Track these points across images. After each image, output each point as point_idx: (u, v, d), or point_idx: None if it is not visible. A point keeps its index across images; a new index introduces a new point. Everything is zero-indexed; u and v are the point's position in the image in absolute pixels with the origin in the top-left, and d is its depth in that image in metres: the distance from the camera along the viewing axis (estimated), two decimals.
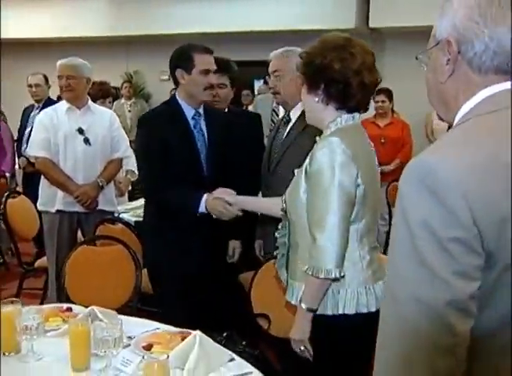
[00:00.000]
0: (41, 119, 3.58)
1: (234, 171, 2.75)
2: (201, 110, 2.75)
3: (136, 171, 4.68)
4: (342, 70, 1.83)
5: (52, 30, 8.90)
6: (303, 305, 1.83)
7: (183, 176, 2.61)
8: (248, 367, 1.82)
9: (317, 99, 1.90)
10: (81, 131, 3.51)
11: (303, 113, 2.71)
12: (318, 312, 1.83)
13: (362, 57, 1.85)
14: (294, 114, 2.78)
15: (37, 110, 5.27)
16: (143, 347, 1.87)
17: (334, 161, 1.76)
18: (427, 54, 1.15)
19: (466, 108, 1.04)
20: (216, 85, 2.97)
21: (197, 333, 1.80)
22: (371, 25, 7.17)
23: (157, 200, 2.70)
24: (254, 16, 7.61)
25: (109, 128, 3.60)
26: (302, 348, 1.89)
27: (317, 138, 1.94)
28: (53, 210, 3.54)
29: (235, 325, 2.20)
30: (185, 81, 2.64)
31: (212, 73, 2.68)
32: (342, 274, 1.78)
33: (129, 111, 7.97)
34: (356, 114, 1.93)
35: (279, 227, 2.01)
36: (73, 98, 3.54)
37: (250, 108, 6.96)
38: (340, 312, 1.82)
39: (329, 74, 1.84)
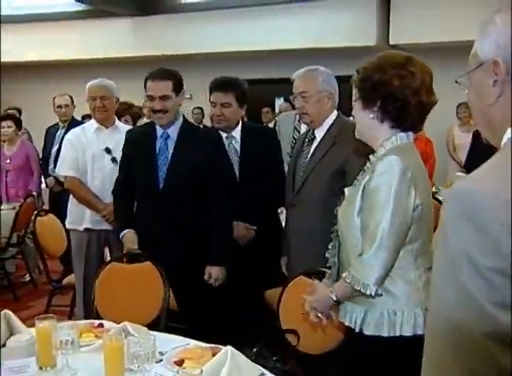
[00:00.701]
0: (70, 139, 3.64)
1: (192, 189, 2.95)
2: (171, 132, 2.99)
3: None
4: (401, 88, 1.81)
5: (75, 52, 9.09)
6: (333, 296, 1.89)
7: (142, 189, 3.03)
8: None
9: (372, 116, 1.88)
10: (108, 150, 3.57)
11: (328, 132, 2.75)
12: (373, 333, 1.82)
13: (421, 76, 1.84)
14: (319, 133, 2.80)
15: (63, 130, 5.40)
16: (175, 362, 1.90)
17: (393, 181, 1.75)
18: (467, 76, 1.12)
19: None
20: (220, 105, 3.12)
21: (229, 348, 1.82)
22: (391, 42, 7.22)
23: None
24: (274, 35, 7.68)
25: None
26: (319, 315, 1.98)
27: (371, 156, 1.92)
28: (81, 228, 3.60)
29: (264, 341, 2.21)
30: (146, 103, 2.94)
31: (157, 98, 2.89)
32: (379, 293, 1.79)
33: None
34: (410, 133, 1.90)
35: (329, 247, 2.02)
36: (106, 118, 3.62)
37: (271, 125, 7.02)
38: (397, 333, 1.80)
39: (387, 90, 1.82)
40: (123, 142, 3.57)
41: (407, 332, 1.80)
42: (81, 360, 1.91)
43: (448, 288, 0.91)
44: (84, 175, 3.56)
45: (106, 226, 3.55)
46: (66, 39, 8.91)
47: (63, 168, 3.64)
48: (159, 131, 3.01)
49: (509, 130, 1.00)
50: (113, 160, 3.55)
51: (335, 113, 2.81)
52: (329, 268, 2.07)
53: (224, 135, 3.24)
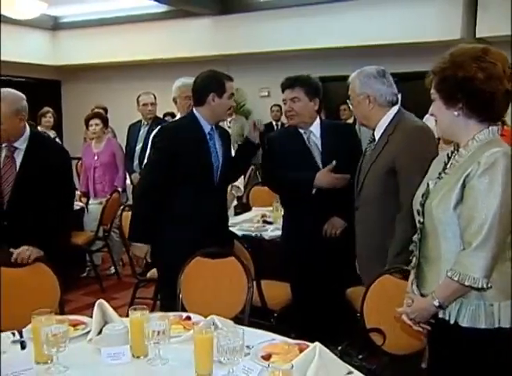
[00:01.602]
0: None
1: None
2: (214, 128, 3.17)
3: (242, 188, 4.83)
4: (487, 81, 1.79)
5: (156, 52, 9.36)
6: (435, 303, 1.84)
7: (198, 184, 3.06)
8: None
9: (457, 113, 1.86)
10: None
11: (384, 132, 2.71)
12: (469, 325, 1.81)
13: (502, 65, 1.81)
14: (377, 133, 2.77)
15: (146, 128, 5.57)
16: (262, 357, 1.91)
17: (500, 172, 1.74)
18: None
19: None
20: (289, 100, 3.20)
21: (317, 344, 1.82)
22: (478, 35, 6.94)
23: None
24: (352, 31, 7.59)
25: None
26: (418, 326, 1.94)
27: (461, 149, 1.90)
28: None
29: (349, 339, 2.20)
30: (215, 103, 3.04)
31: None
32: (489, 285, 1.76)
33: (229, 127, 8.21)
34: (499, 126, 1.89)
35: (414, 239, 2.00)
36: None
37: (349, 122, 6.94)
38: (496, 326, 1.80)
39: (473, 86, 1.80)
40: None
41: (505, 324, 1.79)
42: (171, 351, 1.97)
43: None
44: None
45: None
46: (149, 39, 9.20)
47: None
48: (205, 125, 3.12)
49: None
50: None
51: (392, 111, 2.73)
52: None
53: (302, 131, 3.25)
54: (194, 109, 3.13)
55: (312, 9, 7.89)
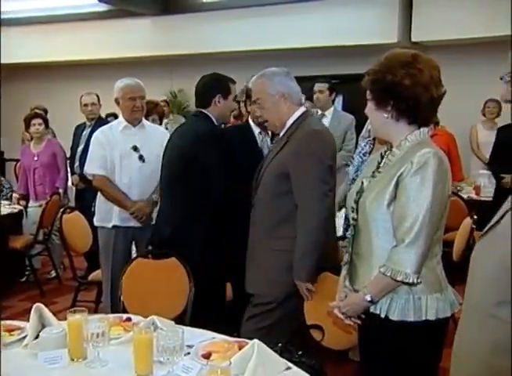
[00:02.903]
0: (98, 137, 3.68)
1: None
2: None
3: None
4: (412, 87, 1.86)
5: (98, 52, 9.20)
6: (367, 297, 1.91)
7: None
8: None
9: (386, 115, 1.94)
10: (135, 148, 3.61)
11: (286, 132, 2.65)
12: (398, 319, 1.88)
13: (429, 72, 1.88)
14: (281, 133, 2.71)
15: (89, 129, 5.47)
16: (202, 355, 1.93)
17: (431, 172, 1.81)
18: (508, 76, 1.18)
19: None
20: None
21: (255, 341, 1.85)
22: (413, 39, 7.17)
23: None
24: (294, 33, 7.68)
25: (161, 144, 3.71)
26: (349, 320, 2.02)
27: (394, 149, 1.97)
28: (110, 225, 3.65)
29: (289, 336, 2.24)
30: (221, 104, 3.14)
31: None
32: (419, 280, 1.84)
33: (166, 129, 8.12)
34: (429, 128, 1.98)
35: (347, 236, 2.06)
36: (141, 117, 3.69)
37: None
38: (423, 318, 1.87)
39: (399, 90, 1.87)
40: (149, 141, 3.64)
41: (431, 316, 1.87)
42: (110, 353, 1.96)
43: None
44: (113, 173, 3.61)
45: (134, 223, 3.61)
46: (90, 39, 9.02)
47: (91, 167, 3.68)
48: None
49: None
50: (141, 158, 3.61)
51: (299, 111, 2.64)
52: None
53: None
54: (202, 110, 3.19)
55: (254, 11, 7.94)
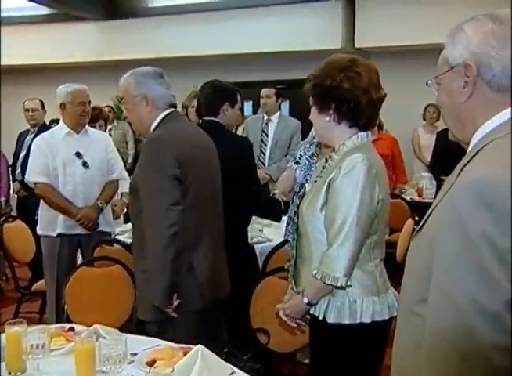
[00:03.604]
0: (38, 144, 3.60)
1: None
2: None
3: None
4: (351, 90, 1.91)
5: (40, 57, 8.99)
6: (305, 300, 1.94)
7: None
8: None
9: (328, 119, 1.97)
10: (78, 155, 3.56)
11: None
12: (335, 321, 1.91)
13: (368, 75, 1.93)
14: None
15: (32, 135, 5.33)
16: (147, 363, 1.91)
17: (359, 176, 1.85)
18: (437, 80, 1.24)
19: (487, 126, 1.14)
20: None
21: (199, 347, 1.85)
22: (357, 45, 7.34)
23: None
24: (241, 39, 7.72)
25: (105, 150, 3.66)
26: (294, 323, 2.05)
27: (333, 154, 2.01)
28: (54, 234, 3.57)
29: (236, 340, 2.25)
30: (228, 113, 3.11)
31: None
32: (349, 284, 1.87)
33: (110, 135, 7.99)
34: (369, 132, 2.02)
35: (290, 240, 2.09)
36: (86, 123, 3.63)
37: (240, 129, 7.05)
38: (358, 321, 1.90)
39: (339, 94, 1.92)
40: (93, 147, 3.57)
41: (366, 319, 1.90)
42: (51, 364, 1.91)
43: (467, 270, 1.00)
44: (55, 180, 3.53)
45: (80, 230, 3.55)
46: (32, 43, 8.80)
47: (33, 174, 3.59)
48: None
49: (483, 126, 1.15)
50: (84, 164, 3.55)
51: (161, 116, 2.45)
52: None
53: None
54: (210, 118, 3.09)
55: (199, 16, 7.94)
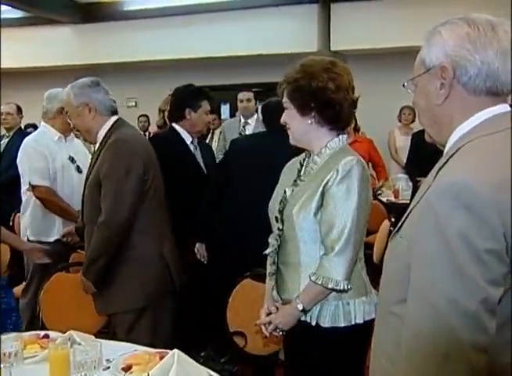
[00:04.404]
0: (35, 148, 3.51)
1: None
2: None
3: None
4: (336, 91, 1.89)
5: (15, 61, 8.88)
6: (299, 307, 1.90)
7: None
8: None
9: (310, 122, 1.94)
10: (72, 159, 3.55)
11: (101, 143, 2.67)
12: (329, 325, 1.90)
13: (347, 77, 1.94)
14: (98, 143, 2.73)
15: (7, 139, 5.27)
16: (123, 368, 1.89)
17: (356, 179, 1.85)
18: (413, 82, 1.25)
19: (463, 128, 1.16)
20: None
21: (175, 351, 1.83)
22: (332, 48, 7.40)
23: None
24: (217, 42, 7.74)
25: (86, 155, 3.65)
26: (279, 333, 2.01)
27: (315, 157, 1.98)
28: (51, 239, 3.47)
29: (213, 343, 2.24)
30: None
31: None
32: (350, 287, 1.87)
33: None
34: (347, 135, 2.02)
35: (272, 246, 2.03)
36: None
37: (217, 132, 7.05)
38: (353, 322, 1.90)
39: (324, 95, 1.89)
40: (80, 153, 3.56)
41: (360, 320, 1.91)
42: (25, 372, 1.88)
43: (443, 270, 1.02)
44: (54, 183, 3.48)
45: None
46: (8, 47, 8.66)
47: (36, 178, 3.47)
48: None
49: (459, 128, 1.16)
50: (78, 168, 3.54)
51: (111, 120, 2.68)
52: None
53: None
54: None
55: (178, 20, 7.95)
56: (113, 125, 2.68)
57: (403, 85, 1.30)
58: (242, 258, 2.83)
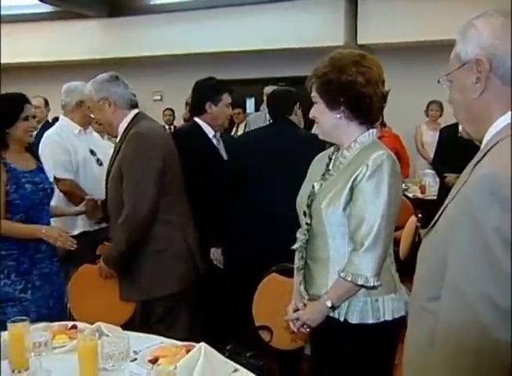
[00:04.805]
0: (58, 141, 3.54)
1: None
2: None
3: None
4: (366, 85, 1.87)
5: (43, 55, 8.99)
6: (328, 303, 1.89)
7: None
8: None
9: (339, 116, 1.92)
10: (93, 152, 3.58)
11: (122, 136, 2.76)
12: (357, 322, 1.89)
13: (377, 70, 1.91)
14: (118, 137, 2.81)
15: (35, 132, 5.33)
16: (149, 360, 1.90)
17: (387, 174, 1.83)
18: (448, 77, 1.24)
19: (498, 124, 1.14)
20: None
21: (202, 344, 1.84)
22: (359, 42, 7.33)
23: None
24: (244, 36, 7.72)
25: (105, 148, 3.67)
26: (306, 329, 2.00)
27: (345, 151, 1.96)
28: (76, 232, 3.48)
29: (239, 337, 2.24)
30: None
31: None
32: (379, 283, 1.85)
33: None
34: (377, 128, 2.03)
35: (300, 241, 2.03)
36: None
37: (242, 126, 7.05)
38: (382, 319, 1.88)
39: (354, 89, 1.87)
40: (100, 146, 3.57)
41: (389, 317, 1.89)
42: (54, 362, 1.90)
43: (479, 266, 1.01)
44: (76, 177, 3.51)
45: (104, 224, 3.45)
46: (35, 41, 8.81)
47: (60, 171, 3.48)
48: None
49: (498, 120, 1.15)
50: (98, 161, 3.57)
51: (131, 114, 2.78)
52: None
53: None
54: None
55: (204, 13, 7.94)
56: (133, 119, 2.76)
57: (438, 81, 1.28)
58: (257, 254, 2.88)
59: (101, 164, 3.55)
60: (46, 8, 8.46)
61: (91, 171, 3.56)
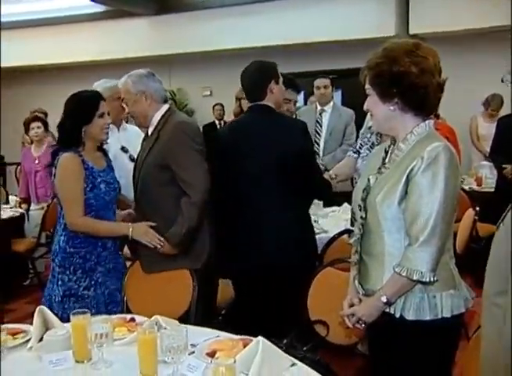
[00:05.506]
0: None
1: None
2: None
3: None
4: (420, 75, 1.82)
5: (95, 54, 9.20)
6: (383, 299, 1.86)
7: None
8: (309, 372, 1.86)
9: (393, 108, 1.89)
10: (124, 149, 3.60)
11: (155, 128, 2.86)
12: (415, 318, 1.85)
13: (433, 59, 1.85)
14: (150, 130, 2.92)
15: None
16: (207, 354, 1.92)
17: (443, 167, 1.78)
18: None
19: None
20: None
21: (260, 338, 1.84)
22: (411, 32, 7.17)
23: None
24: (293, 29, 7.68)
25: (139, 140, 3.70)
26: (361, 325, 1.96)
27: (400, 144, 1.92)
28: None
29: (295, 331, 2.23)
30: (275, 91, 2.97)
31: None
32: (436, 279, 1.80)
33: None
34: (433, 118, 1.94)
35: (355, 235, 2.00)
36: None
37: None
38: (439, 316, 1.84)
39: (407, 80, 1.83)
40: (132, 142, 3.62)
41: (447, 313, 1.83)
42: (115, 353, 1.95)
43: None
44: None
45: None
46: (86, 40, 9.02)
47: None
48: None
49: None
50: (130, 157, 3.58)
51: (164, 108, 2.91)
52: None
53: None
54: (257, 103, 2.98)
55: (252, 8, 7.94)
56: (166, 112, 2.90)
57: (501, 80, 1.23)
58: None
59: (133, 161, 3.49)
60: (96, 8, 8.65)
61: (122, 169, 3.47)
